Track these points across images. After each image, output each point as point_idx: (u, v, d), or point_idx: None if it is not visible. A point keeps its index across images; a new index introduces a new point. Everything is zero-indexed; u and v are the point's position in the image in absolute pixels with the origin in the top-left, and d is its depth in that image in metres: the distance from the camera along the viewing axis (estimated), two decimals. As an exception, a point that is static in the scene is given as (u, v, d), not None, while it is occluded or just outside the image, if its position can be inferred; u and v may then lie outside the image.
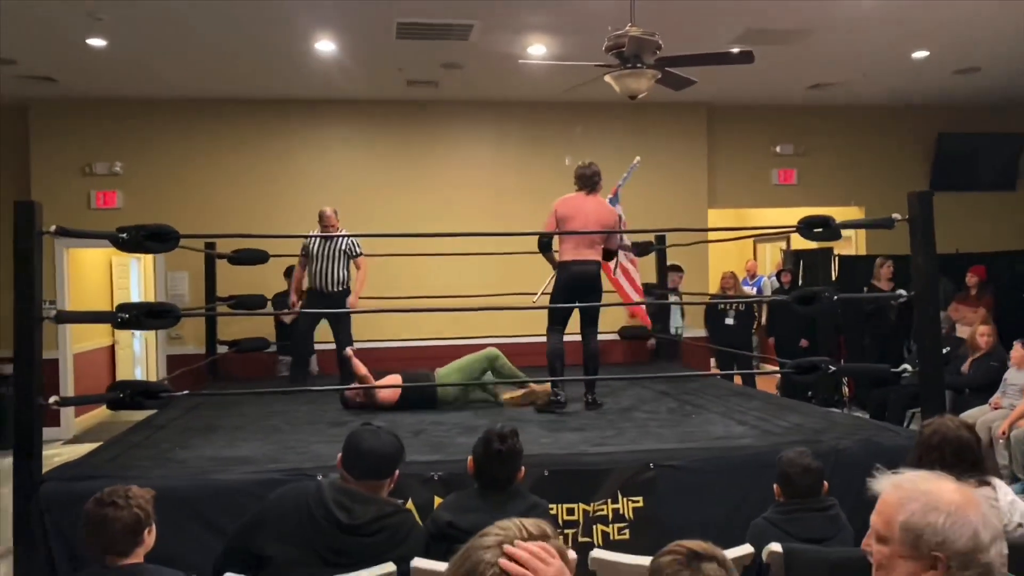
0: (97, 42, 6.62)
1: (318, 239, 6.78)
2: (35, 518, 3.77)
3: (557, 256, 5.76)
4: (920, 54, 7.52)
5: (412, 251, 7.43)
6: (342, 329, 6.88)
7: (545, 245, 5.76)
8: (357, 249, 6.95)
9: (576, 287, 5.64)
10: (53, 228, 3.97)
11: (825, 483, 3.02)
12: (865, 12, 6.34)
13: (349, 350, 6.18)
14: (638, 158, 6.71)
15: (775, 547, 2.47)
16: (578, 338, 5.81)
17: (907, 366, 4.64)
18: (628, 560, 2.59)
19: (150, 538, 2.41)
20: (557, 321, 5.75)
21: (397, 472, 2.54)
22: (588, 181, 5.69)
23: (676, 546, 1.53)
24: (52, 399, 4.11)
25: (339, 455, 2.52)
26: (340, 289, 6.89)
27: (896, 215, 4.51)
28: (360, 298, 6.94)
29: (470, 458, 2.76)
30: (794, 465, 2.96)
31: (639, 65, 4.79)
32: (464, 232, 5.98)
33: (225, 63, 7.38)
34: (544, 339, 5.80)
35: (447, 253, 7.34)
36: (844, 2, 6.13)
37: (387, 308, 7.27)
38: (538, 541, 1.28)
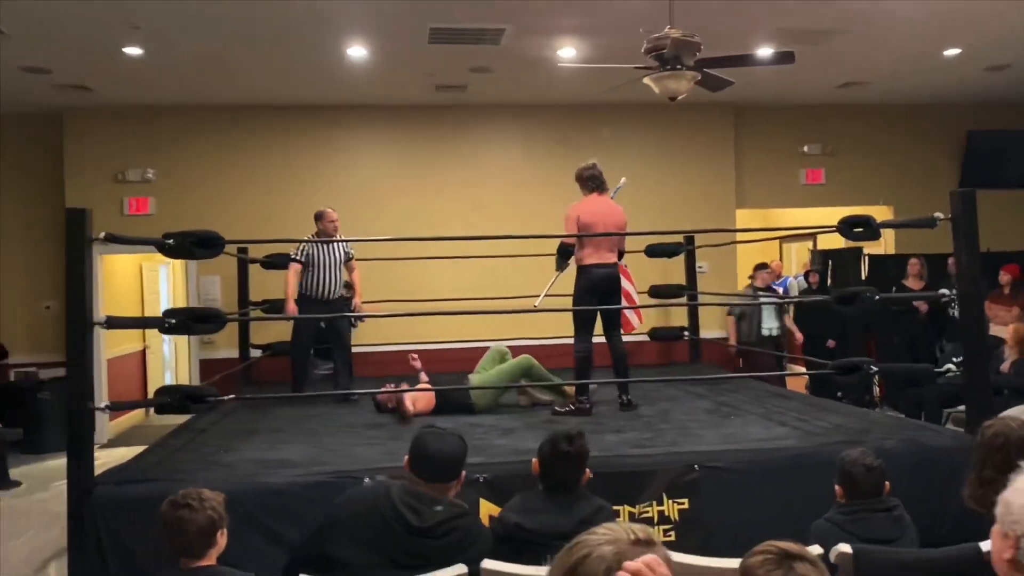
0: (133, 51, 6.69)
1: (318, 244, 6.60)
2: (89, 520, 3.82)
3: (577, 260, 5.69)
4: (952, 52, 7.48)
5: (438, 254, 7.45)
6: (348, 335, 6.83)
7: (569, 252, 5.68)
8: (352, 252, 6.88)
9: (603, 290, 5.64)
10: (102, 235, 4.02)
11: (887, 483, 3.01)
12: (898, 11, 6.32)
13: (420, 370, 6.05)
14: (624, 179, 6.66)
15: (844, 548, 2.46)
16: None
17: (951, 366, 4.61)
18: (685, 560, 2.59)
19: (222, 540, 2.44)
20: (588, 325, 5.70)
21: (464, 473, 2.56)
22: (598, 181, 5.68)
23: (767, 546, 1.54)
24: (103, 404, 4.17)
25: (406, 458, 2.54)
26: (341, 295, 6.83)
27: (939, 214, 4.49)
28: (370, 302, 6.92)
29: (535, 460, 2.77)
30: (856, 465, 2.94)
31: (679, 67, 4.79)
32: (491, 235, 6.01)
33: (258, 70, 7.44)
34: (564, 341, 5.79)
35: (474, 256, 7.36)
36: (877, 2, 6.11)
37: (415, 312, 7.27)
38: (645, 548, 1.29)
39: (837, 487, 3.01)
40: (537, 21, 6.29)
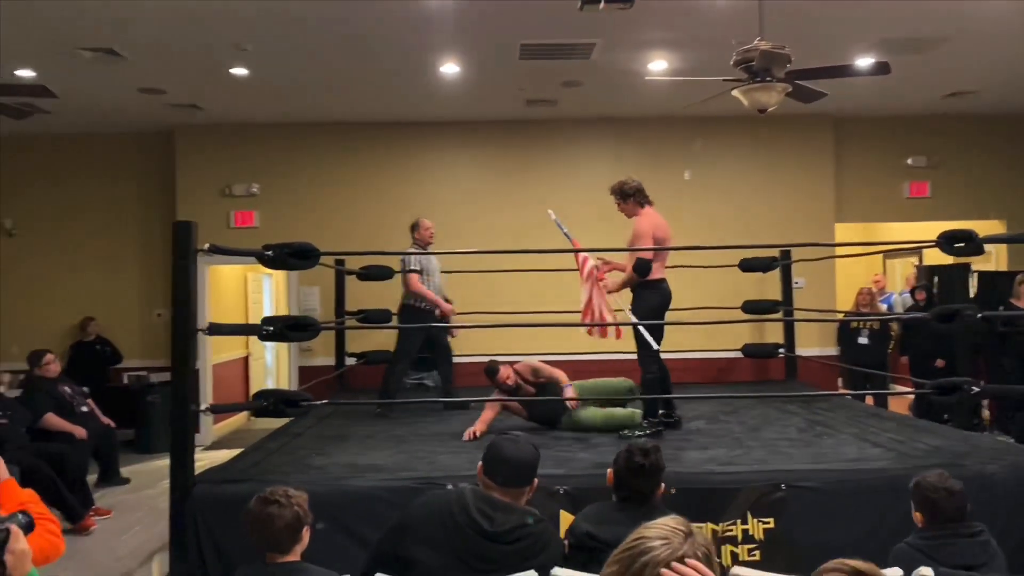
0: (239, 71, 7.03)
1: (427, 255, 6.64)
2: (189, 517, 4.02)
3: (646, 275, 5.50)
4: (1068, 58, 7.10)
5: (529, 267, 7.49)
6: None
7: (649, 269, 5.38)
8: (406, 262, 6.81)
9: (668, 307, 5.52)
10: (207, 246, 4.23)
11: (968, 505, 2.88)
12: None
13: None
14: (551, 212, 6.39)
15: (926, 571, 2.38)
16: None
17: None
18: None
19: (306, 537, 2.54)
20: (659, 343, 5.46)
21: (536, 480, 2.60)
22: (645, 193, 5.57)
23: (839, 563, 1.51)
24: (204, 407, 4.38)
25: (479, 464, 2.59)
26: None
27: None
28: (461, 313, 6.95)
29: (610, 470, 2.78)
30: (937, 490, 2.82)
31: (769, 79, 4.72)
32: (583, 248, 6.00)
33: (357, 89, 7.71)
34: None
35: (563, 269, 7.38)
36: (984, 5, 5.86)
37: (513, 323, 7.34)
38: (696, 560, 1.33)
39: (916, 513, 2.89)
40: (627, 35, 6.30)
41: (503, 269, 7.54)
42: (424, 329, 6.70)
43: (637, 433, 5.30)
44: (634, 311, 5.45)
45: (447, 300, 7.05)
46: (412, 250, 6.71)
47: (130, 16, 5.76)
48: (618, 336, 5.69)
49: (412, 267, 6.70)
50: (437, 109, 8.50)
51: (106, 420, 6.96)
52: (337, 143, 9.12)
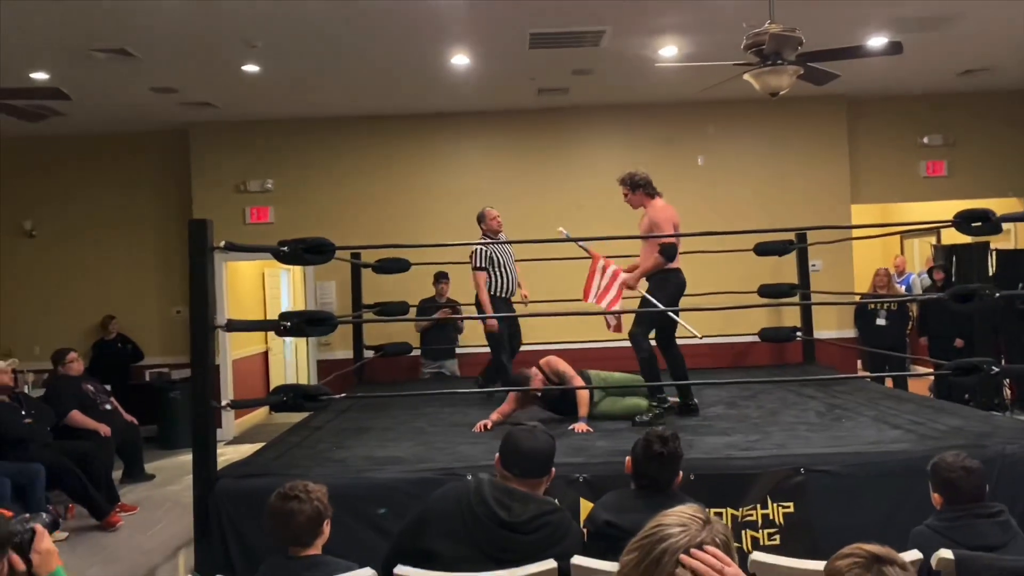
0: (251, 68, 7.06)
1: (497, 244, 6.49)
2: (212, 511, 4.06)
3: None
4: (1086, 32, 7.00)
5: (546, 256, 7.48)
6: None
7: (674, 255, 5.36)
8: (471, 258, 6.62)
9: (682, 295, 5.50)
10: (223, 243, 4.27)
11: (987, 485, 2.87)
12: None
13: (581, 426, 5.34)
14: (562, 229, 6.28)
15: (945, 553, 2.37)
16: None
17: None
18: (789, 563, 2.56)
19: (327, 530, 2.57)
20: (673, 331, 5.49)
21: (553, 470, 2.61)
22: (653, 186, 5.50)
23: (855, 548, 1.52)
24: (224, 402, 4.43)
25: (496, 455, 2.61)
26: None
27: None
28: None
29: (628, 458, 2.79)
30: (954, 469, 2.81)
31: (780, 62, 4.69)
32: (600, 236, 5.99)
33: (367, 83, 7.73)
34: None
35: (578, 257, 7.37)
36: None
37: (530, 312, 7.34)
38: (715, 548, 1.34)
39: (935, 495, 2.89)
40: (636, 21, 6.28)
41: (522, 259, 7.54)
42: (508, 314, 6.54)
43: (647, 417, 5.27)
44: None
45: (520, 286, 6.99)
46: (479, 242, 6.56)
47: (142, 16, 5.80)
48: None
49: (478, 265, 6.50)
50: (449, 101, 8.50)
51: (129, 417, 7.05)
52: (350, 137, 9.16)
